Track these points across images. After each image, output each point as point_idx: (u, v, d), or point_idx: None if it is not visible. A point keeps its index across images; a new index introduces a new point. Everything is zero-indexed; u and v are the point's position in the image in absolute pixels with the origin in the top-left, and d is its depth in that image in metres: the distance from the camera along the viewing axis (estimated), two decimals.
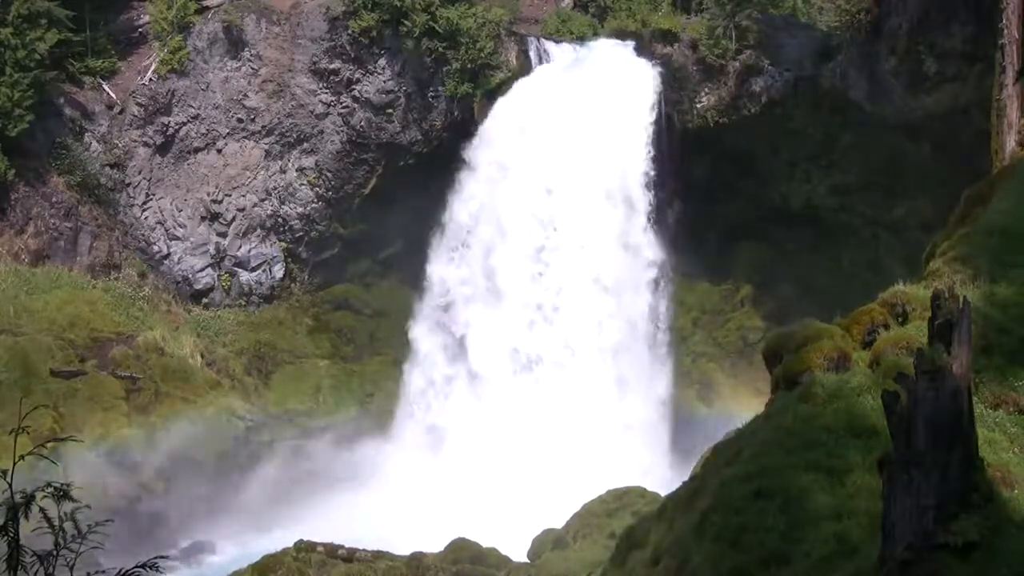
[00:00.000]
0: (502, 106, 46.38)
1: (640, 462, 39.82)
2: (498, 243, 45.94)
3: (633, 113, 45.29)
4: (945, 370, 10.00)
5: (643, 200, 45.50)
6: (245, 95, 47.48)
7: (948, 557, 9.95)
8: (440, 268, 47.52)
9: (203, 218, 47.81)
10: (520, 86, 46.57)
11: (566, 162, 45.01)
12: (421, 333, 47.53)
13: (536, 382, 43.59)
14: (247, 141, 47.78)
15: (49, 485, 7.07)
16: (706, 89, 44.83)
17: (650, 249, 45.63)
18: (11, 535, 6.90)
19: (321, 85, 47.33)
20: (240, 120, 47.55)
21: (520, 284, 45.25)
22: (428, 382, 46.58)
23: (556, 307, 44.68)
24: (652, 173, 45.38)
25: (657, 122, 45.49)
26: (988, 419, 13.69)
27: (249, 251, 48.39)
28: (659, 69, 45.72)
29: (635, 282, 45.26)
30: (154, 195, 47.42)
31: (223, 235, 48.13)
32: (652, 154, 45.31)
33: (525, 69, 45.86)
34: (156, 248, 47.49)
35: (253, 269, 48.54)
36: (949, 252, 19.29)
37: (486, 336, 45.31)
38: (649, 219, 45.52)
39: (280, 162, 48.02)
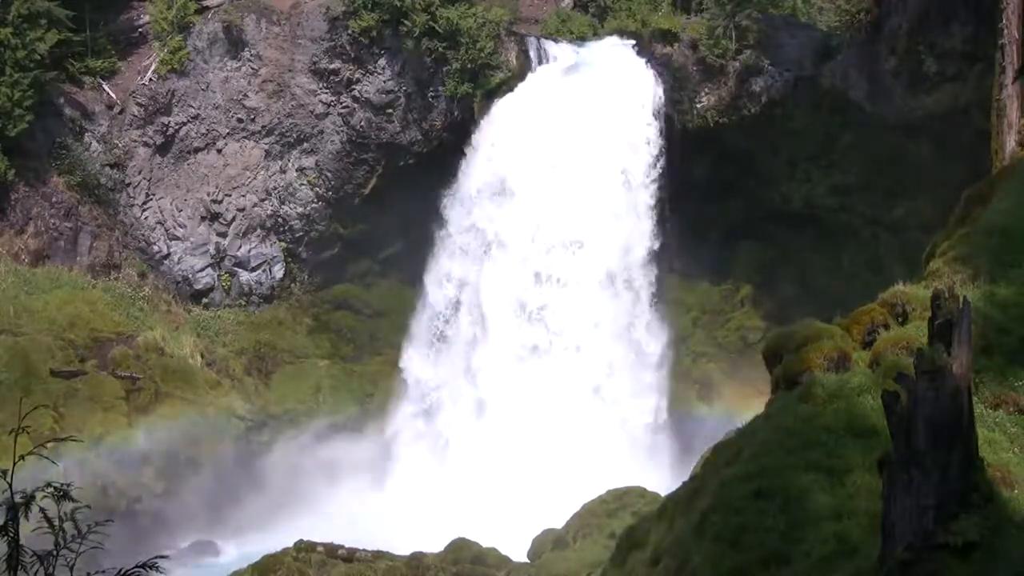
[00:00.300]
0: (481, 146, 42.76)
1: (640, 462, 39.71)
2: (480, 340, 42.04)
3: (636, 171, 41.90)
4: (945, 370, 10.01)
5: (646, 280, 42.20)
6: (245, 95, 47.48)
7: (948, 557, 9.95)
8: (417, 365, 44.01)
9: (203, 218, 47.80)
10: (498, 120, 42.46)
11: (557, 234, 40.93)
12: (402, 424, 43.62)
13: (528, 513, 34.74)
14: (247, 141, 47.78)
15: (49, 485, 7.07)
16: (706, 89, 44.79)
17: (653, 340, 42.37)
18: (11, 535, 6.90)
19: (321, 85, 47.32)
20: (240, 120, 47.54)
21: (507, 393, 40.14)
22: (409, 501, 40.30)
23: (548, 423, 38.86)
24: (657, 246, 42.50)
25: (661, 176, 42.36)
26: (988, 419, 13.70)
27: (249, 251, 48.38)
28: (662, 110, 42.51)
29: (638, 388, 41.71)
30: (154, 195, 47.42)
31: (223, 235, 48.12)
32: (656, 217, 42.27)
33: (525, 69, 45.71)
34: (156, 248, 47.48)
35: (253, 269, 48.52)
36: (949, 252, 19.29)
37: (471, 452, 40.14)
38: (652, 302, 42.70)
39: (280, 162, 48.01)
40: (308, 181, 48.06)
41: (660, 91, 44.13)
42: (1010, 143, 26.94)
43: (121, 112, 46.64)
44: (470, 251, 43.13)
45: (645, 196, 42.77)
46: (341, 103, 47.37)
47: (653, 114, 43.85)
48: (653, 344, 42.52)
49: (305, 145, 47.86)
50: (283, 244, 48.64)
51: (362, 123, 47.33)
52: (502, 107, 44.13)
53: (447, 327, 43.98)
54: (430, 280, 44.42)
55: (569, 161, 42.03)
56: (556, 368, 40.22)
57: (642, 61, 44.73)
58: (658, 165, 43.24)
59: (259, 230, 48.38)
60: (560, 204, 41.47)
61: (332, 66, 47.01)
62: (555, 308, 41.12)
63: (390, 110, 46.99)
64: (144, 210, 47.32)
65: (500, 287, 41.54)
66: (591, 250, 41.54)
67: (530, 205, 41.82)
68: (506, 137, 43.29)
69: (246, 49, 47.33)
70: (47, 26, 44.26)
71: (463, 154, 44.28)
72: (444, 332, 44.10)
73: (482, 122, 44.44)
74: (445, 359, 43.46)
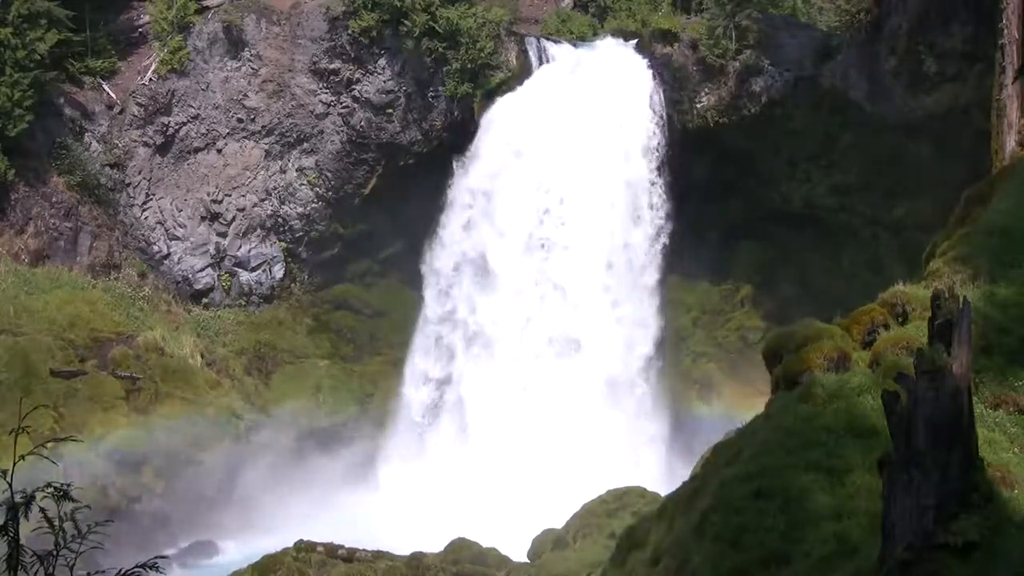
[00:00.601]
0: (456, 203, 40.69)
1: (640, 462, 39.58)
2: (459, 446, 38.89)
3: (639, 246, 39.20)
4: (945, 370, 10.00)
5: (648, 385, 39.47)
6: (245, 95, 47.48)
7: (948, 557, 9.94)
8: (394, 469, 40.53)
9: (203, 218, 47.80)
10: (476, 171, 39.90)
11: (550, 331, 37.83)
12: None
13: None
14: (247, 141, 47.78)
15: (49, 485, 7.06)
16: (706, 89, 44.78)
17: (656, 456, 39.25)
18: (11, 535, 6.89)
19: (321, 85, 47.32)
20: (240, 120, 47.55)
21: (489, 521, 34.42)
22: (408, 500, 37.89)
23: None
24: (660, 332, 40.12)
25: (666, 247, 39.29)
26: (988, 419, 13.69)
27: (249, 251, 48.37)
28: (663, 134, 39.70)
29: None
30: (154, 195, 47.42)
31: (223, 235, 48.12)
32: (660, 299, 39.94)
33: (525, 71, 45.65)
34: (156, 248, 47.49)
35: (253, 269, 48.52)
36: (949, 252, 19.28)
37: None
38: (654, 405, 40.63)
39: (280, 162, 48.02)
40: (308, 181, 48.05)
41: (664, 133, 42.54)
42: (1010, 143, 26.93)
43: (121, 112, 46.64)
44: (450, 344, 40.25)
45: (649, 276, 40.99)
46: (341, 103, 47.37)
47: (658, 167, 42.15)
48: (656, 460, 39.21)
49: (305, 145, 47.86)
50: (283, 244, 48.64)
51: (362, 123, 47.33)
52: (480, 156, 42.13)
53: (426, 432, 41.63)
54: (408, 377, 42.09)
55: (559, 233, 39.31)
56: (549, 494, 34.80)
57: (645, 90, 42.77)
58: (662, 237, 41.23)
59: (259, 230, 48.37)
60: (552, 292, 38.64)
61: (332, 66, 47.01)
62: (549, 421, 37.57)
63: (390, 110, 46.99)
64: (144, 210, 47.32)
65: (484, 393, 38.11)
66: (589, 352, 38.06)
67: (517, 293, 38.85)
68: (485, 198, 41.13)
69: (246, 49, 47.33)
70: (47, 26, 44.26)
71: (439, 208, 42.65)
72: (423, 436, 41.70)
73: (457, 168, 42.98)
74: (423, 459, 40.62)
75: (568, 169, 41.87)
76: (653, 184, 42.96)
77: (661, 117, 44.02)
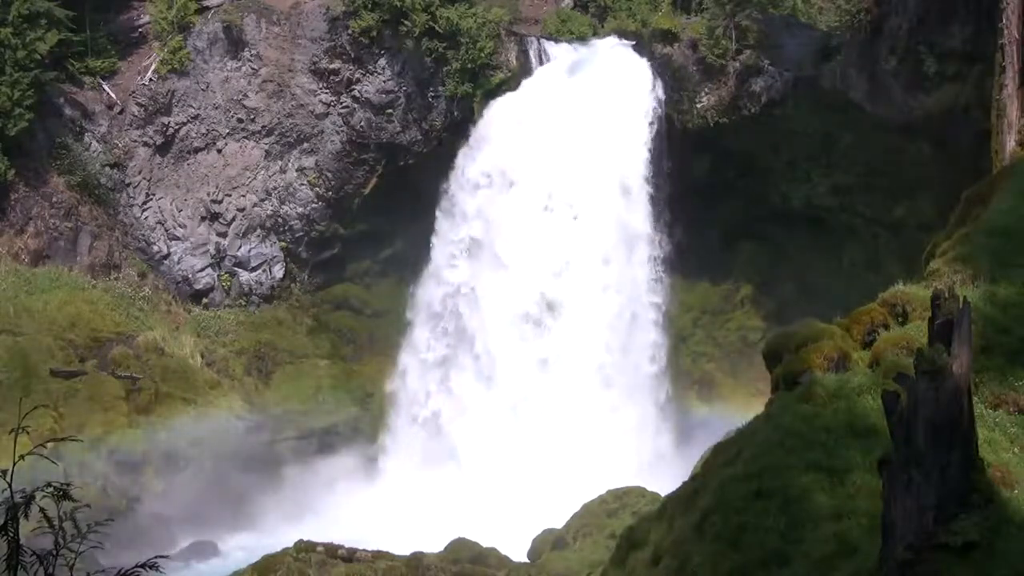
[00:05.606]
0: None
1: (640, 462, 39.58)
2: (459, 446, 38.69)
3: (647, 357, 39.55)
4: (945, 370, 10.00)
5: (648, 385, 39.62)
6: (245, 95, 47.48)
7: (948, 557, 9.95)
8: (394, 468, 40.15)
9: (203, 218, 47.81)
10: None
11: (544, 321, 37.97)
12: None
13: None
14: (247, 141, 47.78)
15: (49, 485, 7.06)
16: (706, 89, 44.76)
17: (653, 456, 38.79)
18: (11, 535, 6.89)
19: (321, 85, 47.32)
20: (240, 120, 47.55)
21: (488, 497, 35.68)
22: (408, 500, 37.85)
23: None
24: (664, 332, 40.88)
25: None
26: (988, 419, 13.69)
27: (249, 251, 48.37)
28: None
29: None
30: (154, 195, 47.43)
31: (223, 235, 48.12)
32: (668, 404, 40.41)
33: (524, 72, 45.61)
34: (156, 248, 47.49)
35: (253, 269, 48.51)
36: (949, 252, 19.29)
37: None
38: (655, 407, 40.46)
39: (280, 162, 48.01)
40: (308, 181, 48.05)
41: (664, 133, 42.42)
42: (1010, 143, 26.92)
43: (121, 112, 46.66)
44: (448, 342, 40.85)
45: (650, 273, 40.72)
46: (341, 103, 47.37)
47: (657, 167, 41.96)
48: (656, 460, 38.84)
49: (305, 145, 47.86)
50: (283, 244, 48.64)
51: (362, 123, 47.33)
52: (479, 156, 42.23)
53: (426, 432, 41.64)
54: (406, 376, 42.02)
55: (558, 231, 39.28)
56: (549, 494, 34.63)
57: (645, 90, 42.84)
58: (661, 235, 41.09)
59: (259, 230, 48.37)
60: (550, 291, 39.21)
61: (332, 66, 47.01)
62: (549, 423, 37.59)
63: (390, 110, 47.00)
64: (144, 210, 47.33)
65: (484, 394, 38.56)
66: (589, 352, 37.86)
67: (516, 291, 38.84)
68: (484, 197, 41.28)
69: (246, 49, 47.33)
70: (47, 26, 44.28)
71: (435, 211, 42.81)
72: (423, 436, 41.64)
73: (456, 169, 42.89)
74: (424, 470, 40.29)
75: (567, 169, 42.15)
76: (652, 184, 43.17)
77: (661, 117, 44.04)
